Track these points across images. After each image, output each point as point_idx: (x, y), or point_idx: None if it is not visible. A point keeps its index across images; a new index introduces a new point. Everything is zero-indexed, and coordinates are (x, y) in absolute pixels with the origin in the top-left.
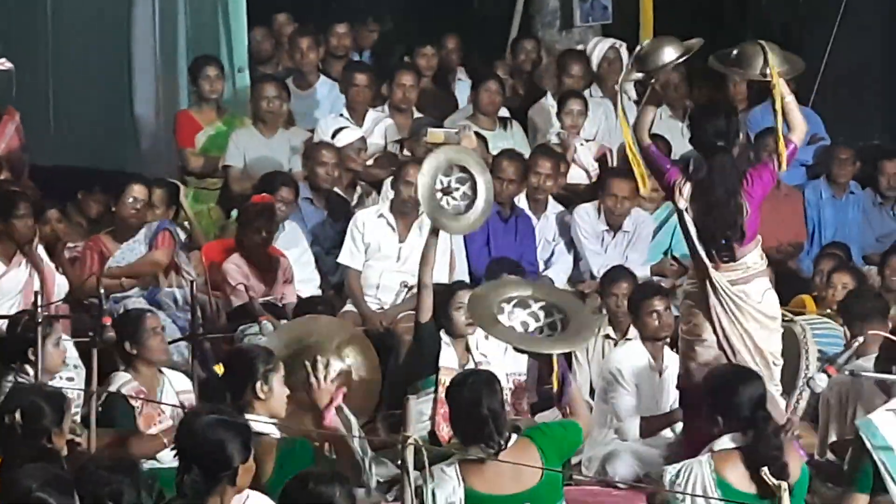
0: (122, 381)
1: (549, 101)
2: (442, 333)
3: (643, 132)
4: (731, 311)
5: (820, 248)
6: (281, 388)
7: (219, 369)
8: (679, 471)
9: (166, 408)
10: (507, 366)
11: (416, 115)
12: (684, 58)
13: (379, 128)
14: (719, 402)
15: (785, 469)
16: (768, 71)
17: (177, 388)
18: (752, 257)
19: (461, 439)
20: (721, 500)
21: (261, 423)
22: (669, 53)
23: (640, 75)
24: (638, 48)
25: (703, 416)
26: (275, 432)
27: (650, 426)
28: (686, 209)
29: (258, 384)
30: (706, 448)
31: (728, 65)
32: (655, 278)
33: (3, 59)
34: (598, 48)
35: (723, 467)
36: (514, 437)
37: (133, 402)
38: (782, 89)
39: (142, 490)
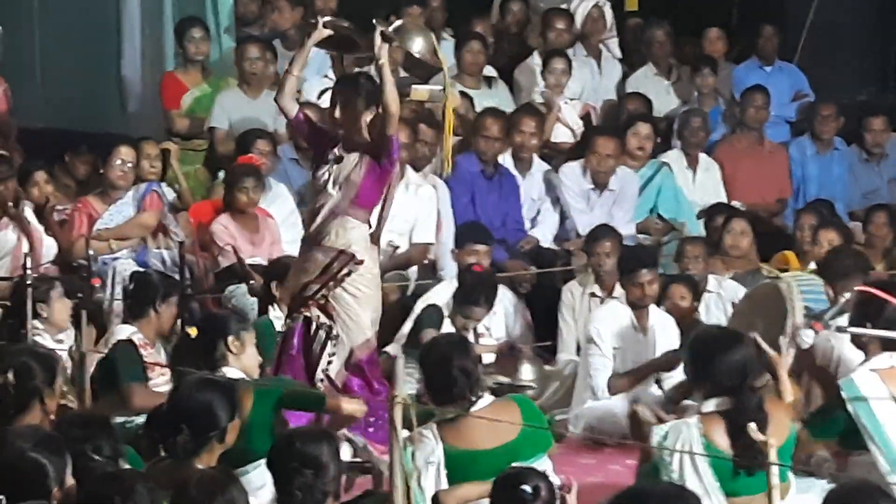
0: (129, 332)
1: (535, 61)
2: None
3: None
4: None
5: (803, 204)
6: (253, 349)
7: (192, 332)
8: (667, 432)
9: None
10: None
11: (402, 74)
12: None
13: None
14: (703, 366)
15: (764, 421)
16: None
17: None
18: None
19: (435, 400)
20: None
21: (233, 373)
22: (417, 45)
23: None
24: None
25: (690, 380)
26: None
27: (617, 384)
28: None
29: (230, 339)
30: (694, 410)
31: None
32: (641, 236)
33: None
34: (582, 7)
35: (710, 430)
36: (489, 398)
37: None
38: (378, 48)
39: (118, 443)
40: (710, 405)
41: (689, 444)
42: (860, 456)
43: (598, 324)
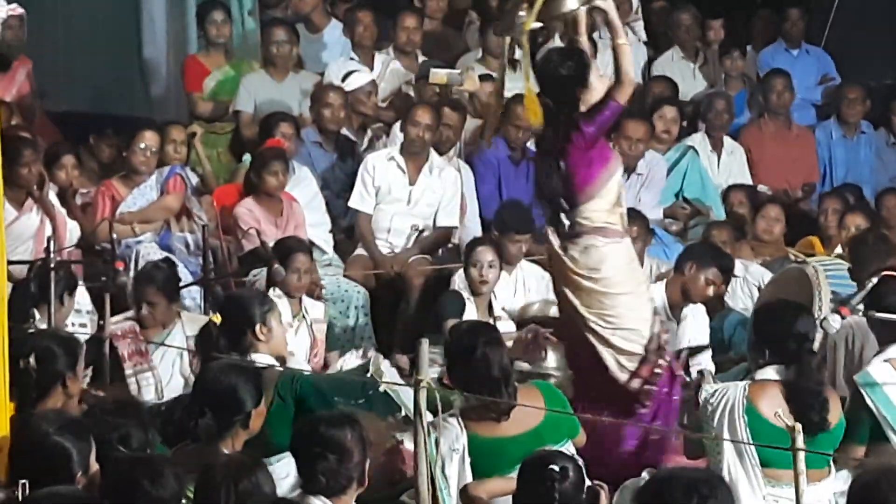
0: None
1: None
2: (465, 290)
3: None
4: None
5: (830, 188)
6: (279, 327)
7: (216, 318)
8: (716, 391)
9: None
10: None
11: (423, 58)
12: (585, 4)
13: (387, 70)
14: (768, 333)
15: (826, 405)
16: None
17: (188, 332)
18: (593, 207)
19: (459, 386)
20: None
21: (265, 361)
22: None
23: (538, 24)
24: None
25: (751, 346)
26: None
27: None
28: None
29: (257, 327)
30: (748, 375)
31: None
32: (667, 220)
33: (15, 5)
34: None
35: (757, 396)
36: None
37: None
38: (617, 28)
39: (148, 429)
40: (765, 373)
41: (732, 405)
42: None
43: None
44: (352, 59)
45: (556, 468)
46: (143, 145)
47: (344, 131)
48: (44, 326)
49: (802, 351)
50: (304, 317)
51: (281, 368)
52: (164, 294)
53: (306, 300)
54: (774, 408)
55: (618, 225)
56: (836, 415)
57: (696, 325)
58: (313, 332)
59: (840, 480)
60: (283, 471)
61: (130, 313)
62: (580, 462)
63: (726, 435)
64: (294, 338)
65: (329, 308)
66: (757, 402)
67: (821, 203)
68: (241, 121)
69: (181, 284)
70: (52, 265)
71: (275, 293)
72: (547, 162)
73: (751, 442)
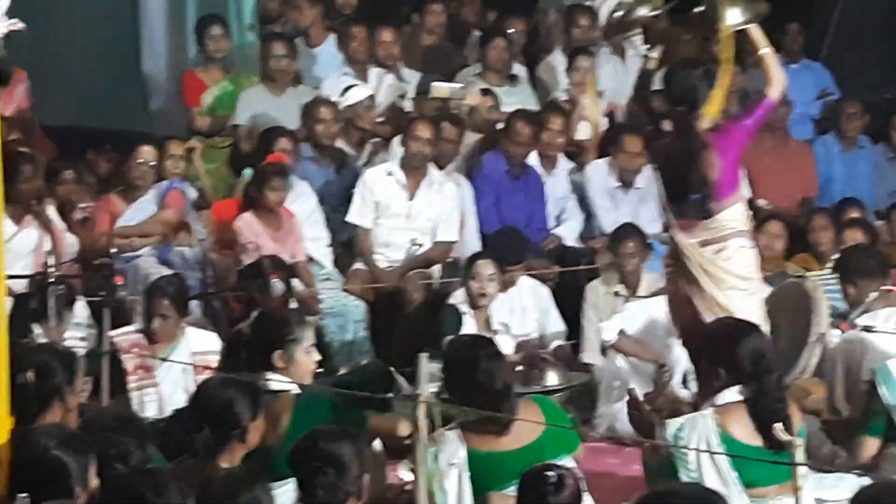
0: (125, 330)
1: (557, 58)
2: (463, 304)
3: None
4: (699, 275)
5: (829, 203)
6: (305, 357)
7: (245, 331)
8: (682, 424)
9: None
10: (516, 329)
11: (417, 73)
12: (656, 12)
13: (383, 84)
14: (720, 355)
15: (788, 422)
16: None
17: (194, 349)
18: (731, 214)
19: (457, 401)
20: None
21: (278, 381)
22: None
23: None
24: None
25: (703, 370)
26: (294, 389)
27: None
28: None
29: (277, 353)
30: (707, 403)
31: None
32: (666, 235)
33: (15, 20)
34: (607, 3)
35: (726, 421)
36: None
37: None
38: (758, 40)
39: (147, 445)
40: (727, 395)
41: (706, 436)
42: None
43: (632, 312)
44: (345, 73)
45: (553, 474)
46: (140, 160)
47: (341, 145)
48: (43, 341)
49: (759, 370)
50: None
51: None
52: (175, 307)
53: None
54: (746, 429)
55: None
56: (797, 428)
57: None
58: None
59: (847, 489)
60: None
61: (136, 326)
62: (580, 475)
63: (707, 466)
64: None
65: (328, 322)
66: (728, 426)
67: (809, 220)
68: (239, 135)
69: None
70: (52, 280)
71: None
72: (688, 160)
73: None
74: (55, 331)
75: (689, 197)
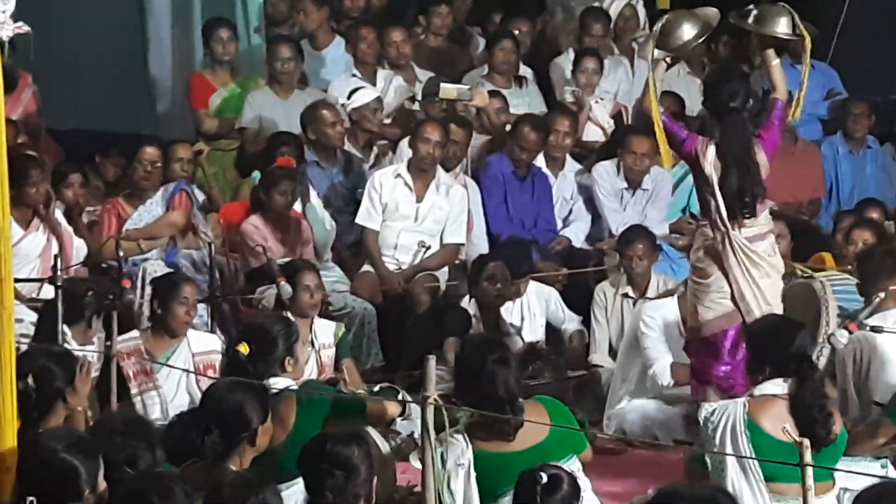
0: (124, 337)
1: (565, 59)
2: (471, 306)
3: (653, 105)
4: (747, 268)
5: (838, 204)
6: (303, 354)
7: (243, 349)
8: (715, 409)
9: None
10: (527, 335)
11: (430, 73)
12: (703, 37)
13: (391, 86)
14: (768, 351)
15: (830, 418)
16: (786, 31)
17: (195, 350)
18: (766, 213)
19: (466, 401)
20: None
21: (281, 381)
22: (688, 31)
23: (661, 54)
24: (658, 24)
25: (749, 365)
26: (293, 385)
27: (679, 371)
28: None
29: (287, 360)
30: (747, 392)
31: (751, 23)
32: (674, 236)
33: (21, 23)
34: (615, 5)
35: (758, 412)
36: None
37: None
38: (770, 55)
39: (156, 449)
40: (765, 388)
41: (733, 422)
42: None
43: (651, 312)
44: (354, 76)
45: (544, 477)
46: (143, 161)
47: (348, 147)
48: (75, 345)
49: (803, 367)
50: (312, 342)
51: (295, 389)
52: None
53: (317, 323)
54: (777, 423)
55: None
56: (838, 427)
57: None
58: (321, 357)
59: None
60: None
61: (136, 333)
62: (580, 478)
63: (730, 452)
64: (305, 369)
65: (339, 327)
66: (758, 417)
67: (837, 221)
68: (246, 138)
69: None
70: (59, 283)
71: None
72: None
73: (754, 457)
74: (83, 336)
75: (745, 195)
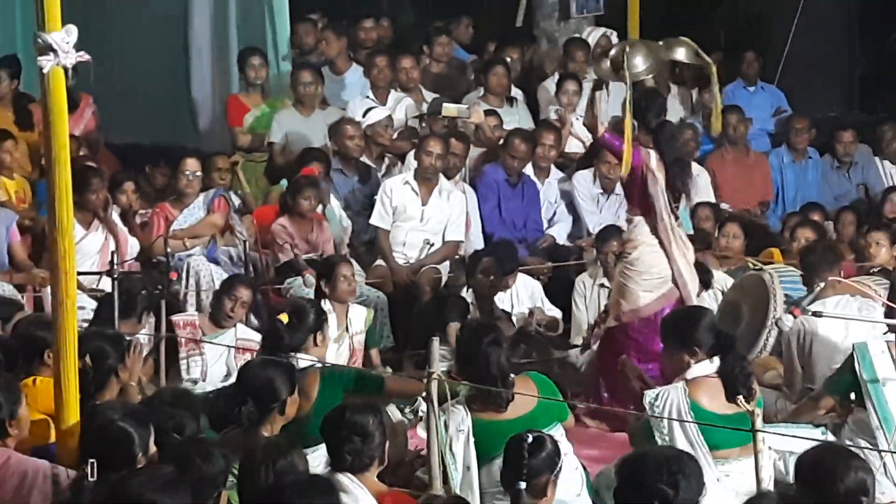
0: (184, 313)
1: (550, 83)
2: (468, 295)
3: (596, 123)
4: (683, 251)
5: (784, 207)
6: (339, 338)
7: (283, 318)
8: (658, 395)
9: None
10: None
11: (434, 95)
12: (652, 74)
13: (400, 106)
14: (688, 336)
15: (750, 377)
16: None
17: (240, 336)
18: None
19: (465, 376)
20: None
21: (306, 359)
22: (640, 64)
23: (607, 78)
24: (613, 51)
25: (670, 351)
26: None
27: None
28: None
29: (318, 334)
30: (679, 377)
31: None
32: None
33: (82, 52)
34: (592, 36)
35: (695, 392)
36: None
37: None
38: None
39: (200, 418)
40: (696, 370)
41: (678, 405)
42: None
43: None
44: (367, 97)
45: (530, 438)
46: (186, 171)
47: (364, 159)
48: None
49: (721, 341)
50: (347, 329)
51: (320, 365)
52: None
53: (352, 311)
54: (713, 399)
55: None
56: (756, 395)
57: None
58: (353, 343)
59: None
60: (315, 461)
61: (194, 311)
62: (562, 443)
63: (677, 431)
64: (337, 352)
65: (370, 312)
66: (697, 397)
67: (784, 222)
68: (274, 151)
69: None
70: (115, 276)
71: (326, 306)
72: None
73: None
74: (133, 329)
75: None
